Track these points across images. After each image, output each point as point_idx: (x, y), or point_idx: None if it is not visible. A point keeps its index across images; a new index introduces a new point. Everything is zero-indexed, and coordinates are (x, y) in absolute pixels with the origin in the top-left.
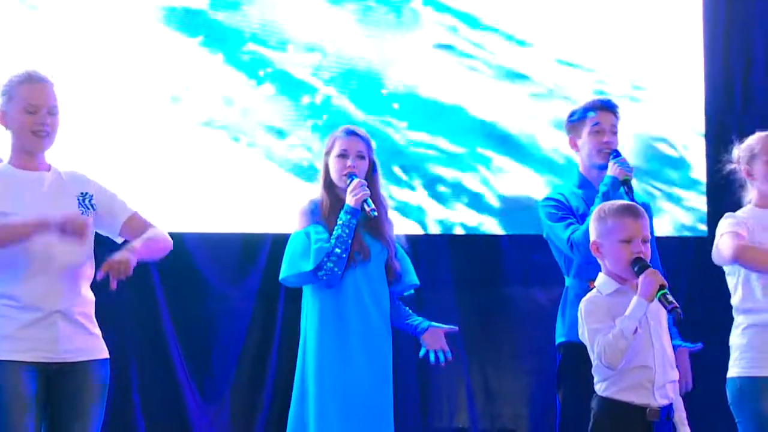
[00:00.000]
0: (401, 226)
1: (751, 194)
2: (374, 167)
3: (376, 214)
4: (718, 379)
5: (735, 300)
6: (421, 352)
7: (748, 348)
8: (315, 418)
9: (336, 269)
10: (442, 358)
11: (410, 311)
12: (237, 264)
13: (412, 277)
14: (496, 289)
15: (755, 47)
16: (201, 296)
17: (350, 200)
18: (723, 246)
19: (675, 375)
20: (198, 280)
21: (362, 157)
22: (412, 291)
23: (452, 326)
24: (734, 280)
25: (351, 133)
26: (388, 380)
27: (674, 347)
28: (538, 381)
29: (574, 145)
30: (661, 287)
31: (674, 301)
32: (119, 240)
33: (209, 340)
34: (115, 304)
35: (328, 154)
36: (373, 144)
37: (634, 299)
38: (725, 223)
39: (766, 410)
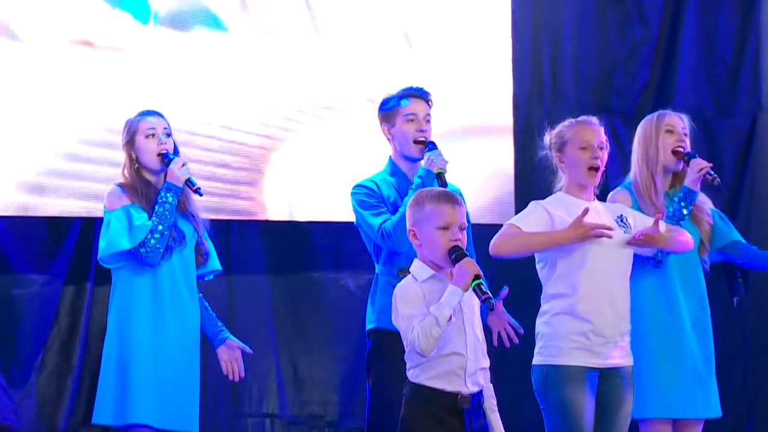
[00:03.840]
0: (212, 211)
1: (561, 181)
2: (176, 148)
3: (202, 193)
4: (524, 366)
5: (545, 286)
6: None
7: (552, 336)
8: (135, 398)
9: (158, 246)
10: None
11: (212, 313)
12: (44, 248)
13: (215, 262)
14: (307, 275)
15: (564, 33)
16: (6, 281)
17: (173, 178)
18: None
19: (486, 362)
20: (2, 265)
21: (168, 135)
22: (212, 276)
23: (247, 348)
24: (544, 266)
25: (149, 113)
26: (196, 361)
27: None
28: (347, 367)
29: (387, 134)
30: (476, 277)
31: (488, 291)
32: None
33: (15, 325)
34: None
35: (132, 138)
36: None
37: (449, 288)
38: (519, 215)
39: (570, 398)
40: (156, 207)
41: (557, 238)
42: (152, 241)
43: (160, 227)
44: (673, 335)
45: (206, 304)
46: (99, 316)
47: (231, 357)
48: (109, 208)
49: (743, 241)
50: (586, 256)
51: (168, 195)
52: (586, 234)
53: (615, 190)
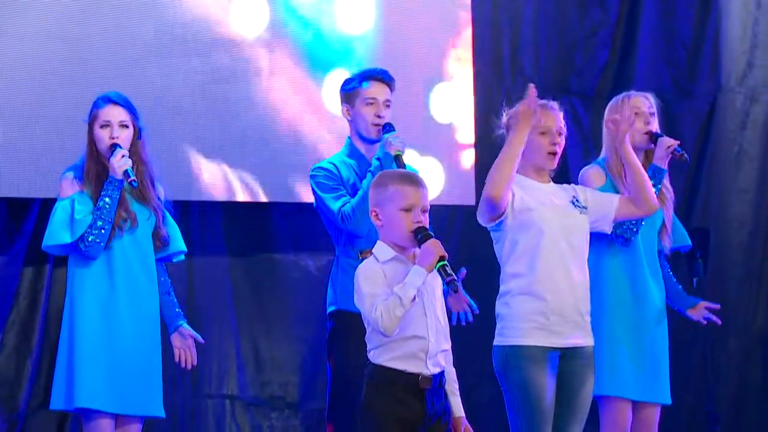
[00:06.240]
0: (171, 192)
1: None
2: (140, 134)
3: (137, 185)
4: (485, 348)
5: (503, 267)
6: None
7: (512, 317)
8: (82, 382)
9: (98, 241)
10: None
11: (174, 299)
12: (3, 229)
13: (180, 244)
14: (267, 256)
15: (523, 14)
16: None
17: (114, 171)
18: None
19: (447, 345)
20: None
21: (125, 126)
22: (182, 257)
23: (199, 337)
24: (501, 246)
25: (110, 102)
26: (156, 346)
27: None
28: (308, 348)
29: (346, 114)
30: (441, 258)
31: (452, 273)
32: None
33: None
34: None
35: (91, 123)
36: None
37: (414, 268)
38: None
39: (530, 378)
40: (99, 201)
41: (518, 135)
42: (90, 237)
43: (99, 222)
44: (639, 316)
45: (170, 289)
46: (58, 297)
47: (183, 345)
48: (61, 196)
49: (690, 245)
50: (542, 236)
51: (109, 188)
52: (530, 112)
53: (588, 167)
